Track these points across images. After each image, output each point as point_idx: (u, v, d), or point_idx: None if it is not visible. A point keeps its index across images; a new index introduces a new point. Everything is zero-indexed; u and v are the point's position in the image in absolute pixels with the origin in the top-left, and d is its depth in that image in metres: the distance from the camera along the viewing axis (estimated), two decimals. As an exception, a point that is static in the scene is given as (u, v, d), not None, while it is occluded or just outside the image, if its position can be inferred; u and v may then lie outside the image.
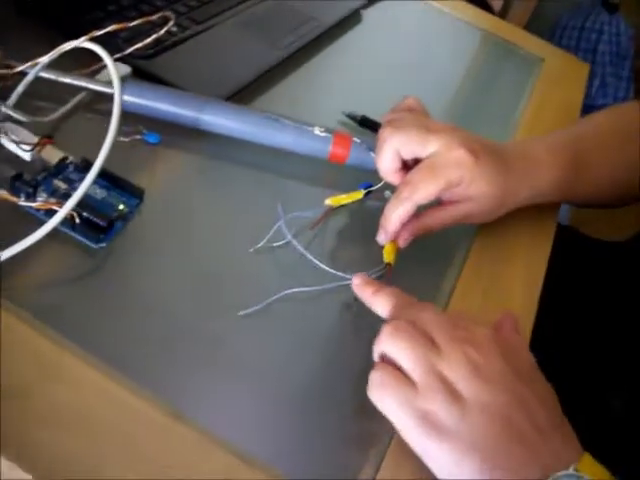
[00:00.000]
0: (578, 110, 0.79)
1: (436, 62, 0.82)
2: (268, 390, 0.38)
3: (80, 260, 0.41)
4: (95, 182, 0.44)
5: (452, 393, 0.34)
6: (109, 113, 0.52)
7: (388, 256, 0.47)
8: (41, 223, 0.39)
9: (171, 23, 0.51)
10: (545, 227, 0.58)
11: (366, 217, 0.52)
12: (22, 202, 0.38)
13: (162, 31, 0.51)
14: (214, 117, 0.51)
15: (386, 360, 0.37)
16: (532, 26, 1.81)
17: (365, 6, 0.84)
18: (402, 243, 0.47)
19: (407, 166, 0.48)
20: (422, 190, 0.45)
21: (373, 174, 0.53)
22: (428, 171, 0.45)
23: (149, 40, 0.52)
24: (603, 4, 1.80)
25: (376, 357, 0.38)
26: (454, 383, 0.35)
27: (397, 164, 0.47)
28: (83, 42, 0.43)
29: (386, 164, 0.47)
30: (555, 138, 0.55)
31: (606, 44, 1.75)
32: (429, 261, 0.51)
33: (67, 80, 0.49)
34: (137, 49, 0.54)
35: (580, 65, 0.92)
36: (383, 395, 0.35)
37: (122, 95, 0.50)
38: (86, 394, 0.34)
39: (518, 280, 0.51)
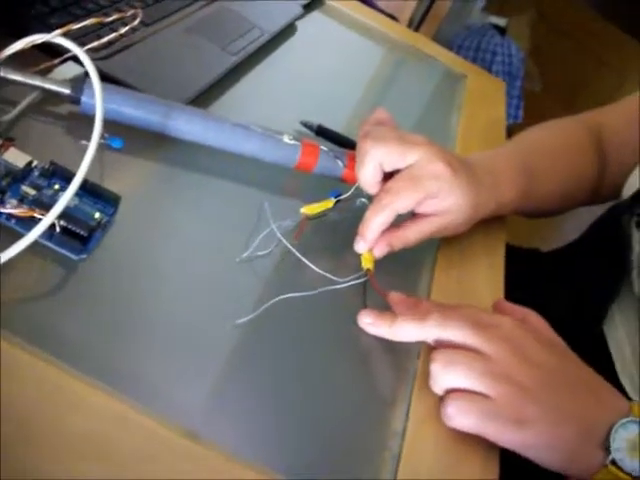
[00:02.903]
0: (504, 126, 0.84)
1: (364, 75, 0.83)
2: (275, 398, 0.37)
3: (59, 273, 0.38)
4: (64, 188, 0.41)
5: (519, 385, 0.38)
6: (61, 114, 0.49)
7: (367, 262, 0.47)
8: (13, 234, 0.36)
9: (137, 20, 0.49)
10: (498, 232, 0.61)
11: (337, 225, 0.52)
12: (3, 209, 0.35)
13: (127, 27, 0.48)
14: (183, 123, 0.49)
15: (451, 390, 0.39)
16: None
17: (299, 17, 0.84)
18: (379, 252, 0.47)
19: (385, 177, 0.48)
20: (402, 198, 0.46)
21: (336, 182, 0.54)
22: (408, 181, 0.46)
23: (108, 38, 0.49)
24: (494, 27, 1.92)
25: (440, 392, 0.40)
26: (515, 376, 0.38)
27: (379, 176, 0.47)
28: (55, 37, 0.40)
29: (368, 176, 0.47)
30: (510, 151, 0.58)
31: (499, 64, 1.87)
32: (401, 273, 0.52)
33: (24, 79, 0.45)
34: (91, 49, 0.51)
35: (498, 83, 0.98)
36: (468, 420, 0.38)
37: (81, 96, 0.47)
38: (86, 415, 0.31)
39: (483, 281, 0.54)
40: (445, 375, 0.39)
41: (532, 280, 0.75)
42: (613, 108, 0.72)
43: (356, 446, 0.38)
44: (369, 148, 0.46)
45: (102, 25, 0.53)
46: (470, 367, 0.38)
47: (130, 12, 0.48)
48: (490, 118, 0.84)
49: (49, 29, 0.45)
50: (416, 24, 1.76)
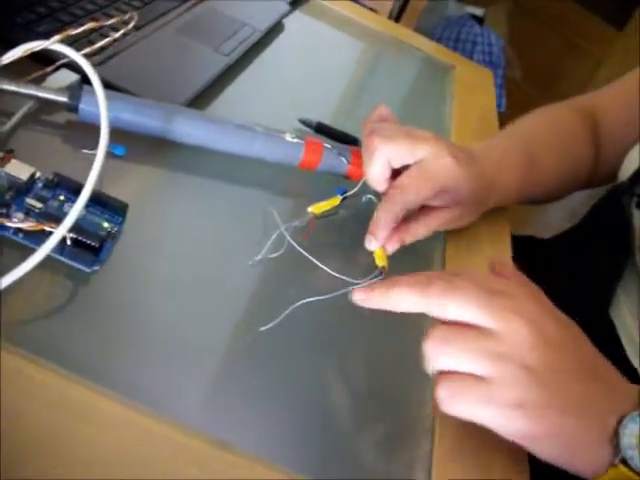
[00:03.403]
0: (495, 115, 0.84)
1: (354, 69, 0.83)
2: (298, 401, 0.37)
3: (70, 285, 0.37)
4: (70, 199, 0.40)
5: (523, 369, 0.33)
6: (59, 123, 0.48)
7: (380, 260, 0.46)
8: (22, 249, 0.35)
9: (132, 24, 0.48)
10: (502, 221, 0.60)
11: (345, 222, 0.51)
12: (12, 223, 0.34)
13: (121, 31, 0.47)
14: (185, 127, 0.48)
15: (445, 372, 0.34)
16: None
17: (286, 15, 0.83)
18: (391, 248, 0.47)
19: (393, 173, 0.48)
20: (413, 194, 0.45)
21: (340, 179, 0.53)
22: (418, 176, 0.46)
23: (101, 44, 0.48)
24: (472, 17, 1.93)
25: (432, 373, 0.35)
26: (521, 356, 0.34)
27: (388, 173, 0.47)
28: (53, 44, 0.39)
29: (377, 173, 0.46)
30: (508, 140, 0.58)
31: (480, 54, 1.87)
32: (412, 268, 0.51)
33: (19, 89, 0.44)
34: (84, 55, 0.50)
35: (485, 72, 0.98)
36: (461, 405, 0.33)
37: (79, 103, 0.46)
38: (107, 429, 0.31)
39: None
40: (438, 355, 0.34)
41: (532, 268, 0.74)
42: (606, 91, 0.72)
43: (384, 446, 0.37)
44: (377, 145, 0.46)
45: (94, 30, 0.52)
46: (466, 346, 0.34)
47: (127, 16, 0.47)
48: (482, 107, 0.84)
49: (38, 37, 0.44)
50: (394, 18, 1.76)
